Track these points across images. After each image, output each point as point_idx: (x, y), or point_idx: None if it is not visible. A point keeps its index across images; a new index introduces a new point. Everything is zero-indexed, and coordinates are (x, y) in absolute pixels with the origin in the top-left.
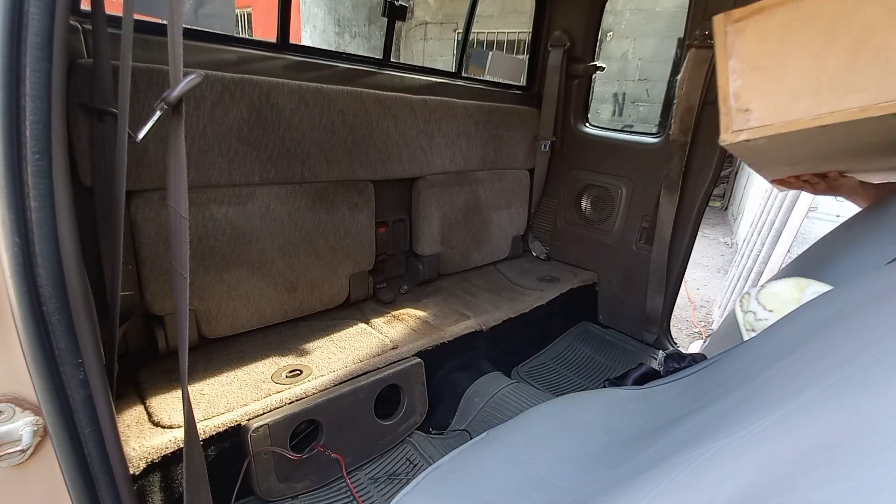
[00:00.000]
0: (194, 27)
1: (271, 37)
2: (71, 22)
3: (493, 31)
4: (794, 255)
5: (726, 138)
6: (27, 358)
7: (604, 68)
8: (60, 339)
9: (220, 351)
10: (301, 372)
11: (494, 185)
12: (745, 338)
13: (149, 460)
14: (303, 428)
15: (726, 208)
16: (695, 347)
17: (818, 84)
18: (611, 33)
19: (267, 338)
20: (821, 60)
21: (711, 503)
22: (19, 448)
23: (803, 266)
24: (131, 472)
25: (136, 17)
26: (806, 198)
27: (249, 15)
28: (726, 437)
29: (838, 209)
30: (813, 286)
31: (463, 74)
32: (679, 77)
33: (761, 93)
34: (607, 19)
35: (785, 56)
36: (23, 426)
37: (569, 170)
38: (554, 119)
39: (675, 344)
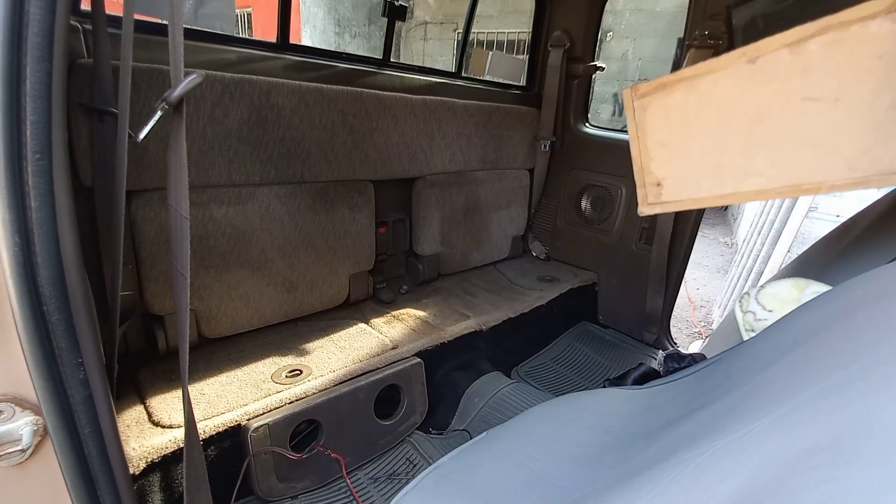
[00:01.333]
0: (194, 27)
1: (271, 37)
2: (71, 22)
3: (493, 31)
4: (794, 255)
5: (643, 210)
6: (27, 358)
7: (604, 68)
8: (60, 338)
9: (220, 351)
10: (301, 372)
11: (494, 185)
12: (745, 338)
13: (149, 460)
14: (303, 428)
15: (726, 208)
16: (695, 347)
17: (718, 165)
18: (611, 33)
19: (267, 338)
20: (718, 142)
21: (711, 502)
22: (19, 448)
23: (803, 266)
24: (131, 471)
25: (137, 17)
26: (806, 198)
27: (249, 15)
28: (726, 437)
29: (838, 209)
30: (812, 286)
31: (463, 74)
32: None
33: (670, 168)
34: (607, 19)
35: (687, 135)
36: (23, 426)
37: (569, 170)
38: (554, 119)
39: (675, 344)
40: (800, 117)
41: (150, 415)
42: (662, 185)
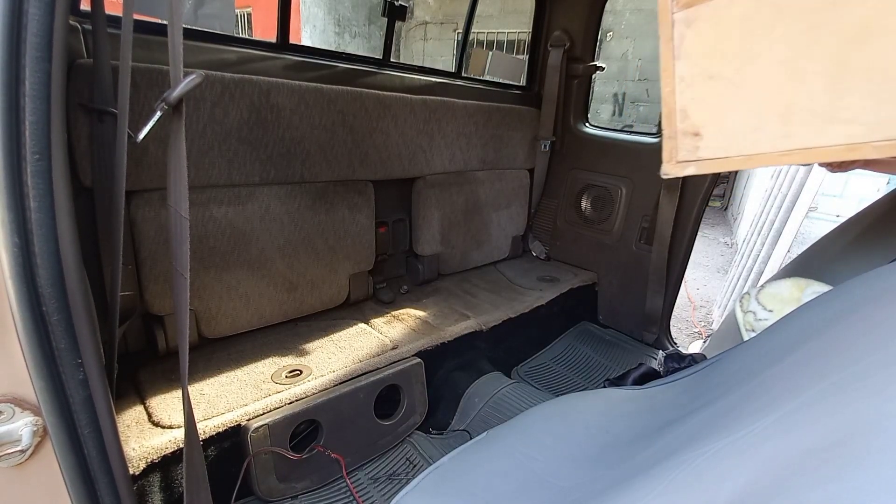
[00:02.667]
0: (194, 27)
1: (271, 37)
2: (71, 22)
3: (493, 31)
4: (794, 255)
5: (669, 170)
6: (27, 358)
7: (604, 68)
8: (60, 339)
9: (220, 351)
10: (301, 372)
11: (494, 185)
12: (745, 338)
13: (149, 460)
14: (303, 428)
15: (726, 208)
16: (695, 347)
17: (790, 106)
18: (611, 33)
19: (267, 338)
20: (796, 72)
21: (712, 503)
22: (19, 448)
23: (803, 266)
24: (131, 472)
25: (136, 17)
26: (806, 198)
27: (249, 15)
28: (726, 438)
29: (838, 209)
30: (813, 286)
31: (463, 74)
32: None
33: (716, 112)
34: (607, 19)
35: (749, 62)
36: (22, 426)
37: (569, 170)
38: (554, 119)
39: (675, 344)
40: None
41: (149, 415)
42: (702, 136)
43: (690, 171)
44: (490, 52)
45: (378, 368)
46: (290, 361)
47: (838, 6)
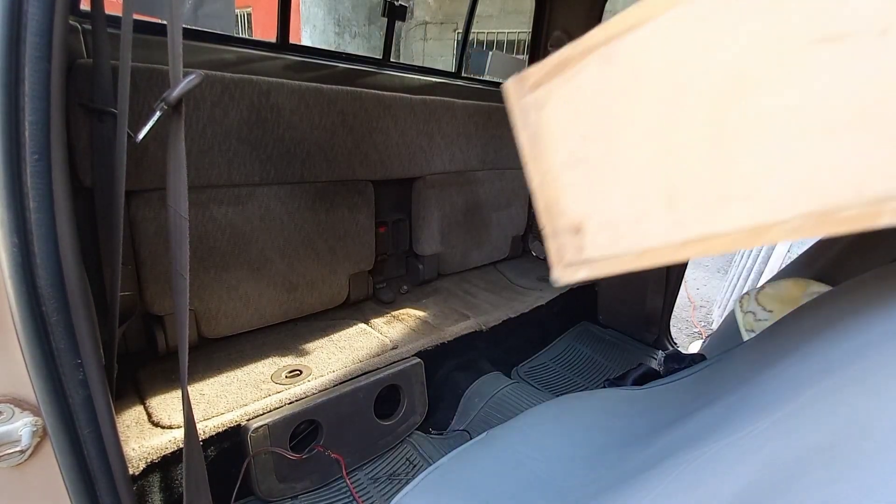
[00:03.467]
0: (194, 27)
1: (271, 37)
2: (71, 22)
3: (493, 31)
4: (794, 255)
5: (560, 275)
6: (26, 358)
7: None
8: (60, 339)
9: (220, 351)
10: (301, 372)
11: (494, 185)
12: (745, 338)
13: (148, 460)
14: (302, 428)
15: None
16: (695, 347)
17: (673, 187)
18: None
19: (267, 338)
20: (669, 145)
21: (712, 503)
22: (18, 448)
23: (803, 266)
24: (131, 472)
25: (136, 17)
26: None
27: (249, 15)
28: (726, 438)
29: None
30: (812, 286)
31: (463, 74)
32: None
33: (594, 203)
34: (607, 19)
35: (615, 140)
36: (22, 427)
37: None
38: None
39: (675, 344)
40: (814, 78)
41: (149, 415)
42: (585, 232)
43: (583, 274)
44: (490, 52)
45: (378, 368)
46: (290, 361)
47: (706, 54)
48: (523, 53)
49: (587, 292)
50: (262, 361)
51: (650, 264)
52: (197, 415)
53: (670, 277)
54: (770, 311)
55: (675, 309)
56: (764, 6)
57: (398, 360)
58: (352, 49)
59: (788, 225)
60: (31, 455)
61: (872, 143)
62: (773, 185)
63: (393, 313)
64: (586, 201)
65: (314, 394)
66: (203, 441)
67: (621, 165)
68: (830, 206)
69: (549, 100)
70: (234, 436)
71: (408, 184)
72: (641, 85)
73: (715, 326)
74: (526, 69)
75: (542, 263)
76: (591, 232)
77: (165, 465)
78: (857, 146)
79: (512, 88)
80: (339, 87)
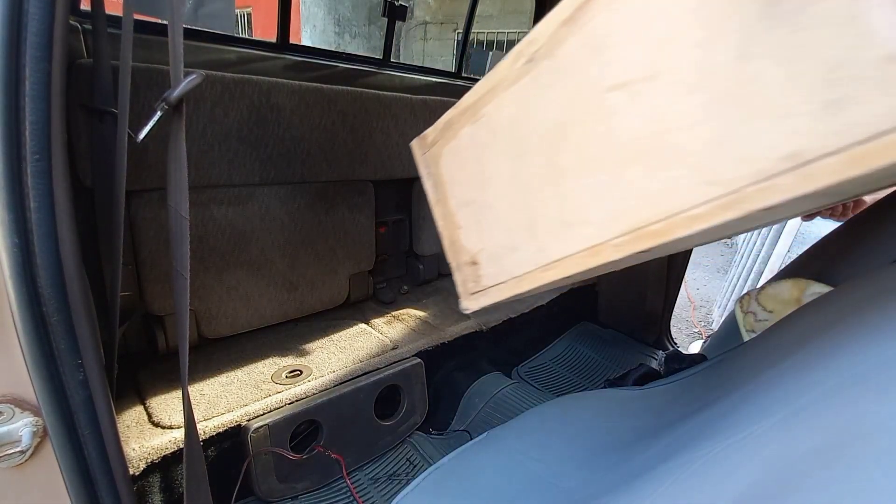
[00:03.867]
0: (194, 27)
1: (271, 37)
2: (71, 22)
3: (493, 31)
4: (794, 255)
5: (466, 304)
6: (27, 359)
7: None
8: (60, 339)
9: (220, 351)
10: (301, 372)
11: None
12: (746, 338)
13: (149, 461)
14: (303, 428)
15: None
16: (695, 347)
17: (533, 219)
18: None
19: (267, 338)
20: (523, 184)
21: None
22: (19, 449)
23: (803, 266)
24: (131, 472)
25: (136, 17)
26: None
27: (249, 15)
28: (728, 439)
29: None
30: (813, 287)
31: (463, 75)
32: None
33: (482, 238)
34: None
35: (489, 183)
36: (22, 427)
37: None
38: None
39: (675, 344)
40: (609, 119)
41: (150, 415)
42: (479, 264)
43: (484, 301)
44: (490, 53)
45: (378, 368)
46: (290, 361)
47: (537, 111)
48: None
49: (587, 292)
50: (263, 361)
51: (529, 287)
52: (197, 415)
53: (670, 277)
54: (771, 312)
55: (675, 309)
56: (572, 67)
57: (398, 361)
58: (352, 49)
59: (614, 243)
60: (31, 455)
61: (657, 168)
62: (598, 211)
63: (393, 313)
64: (476, 238)
65: (314, 394)
66: (203, 441)
67: (495, 205)
68: (640, 223)
69: (441, 154)
70: (234, 436)
71: (408, 184)
72: (498, 139)
73: (715, 326)
74: (426, 132)
75: None
76: (483, 264)
77: (166, 465)
78: (647, 172)
79: (416, 146)
80: (339, 87)
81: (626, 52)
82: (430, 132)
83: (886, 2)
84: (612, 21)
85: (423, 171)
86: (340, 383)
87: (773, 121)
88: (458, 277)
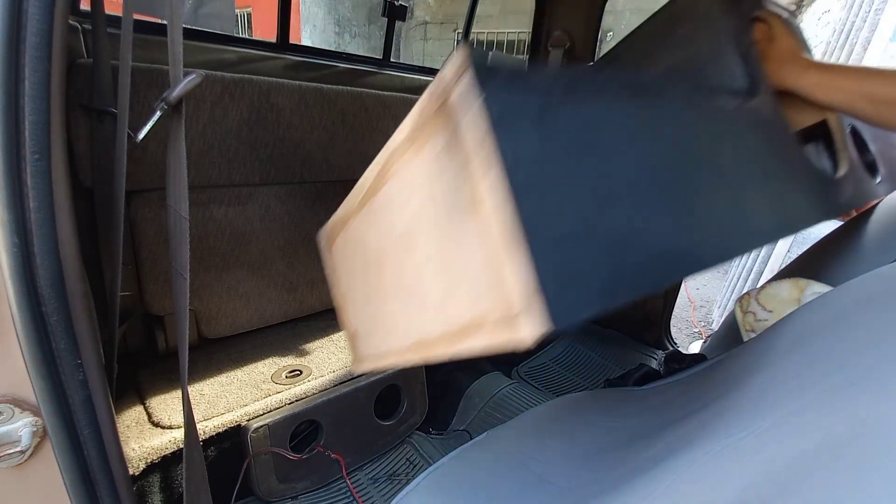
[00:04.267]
0: (194, 27)
1: (271, 37)
2: (70, 22)
3: (493, 31)
4: (793, 256)
5: (354, 368)
6: (26, 359)
7: None
8: (60, 339)
9: (220, 351)
10: (301, 372)
11: None
12: (745, 338)
13: (148, 461)
14: (303, 428)
15: None
16: (695, 347)
17: (383, 312)
18: (611, 33)
19: (267, 338)
20: (370, 288)
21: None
22: (19, 449)
23: (803, 266)
24: (131, 472)
25: (136, 17)
26: None
27: (249, 15)
28: (727, 439)
29: None
30: (813, 287)
31: None
32: None
33: (356, 318)
34: (607, 19)
35: (354, 280)
36: (22, 427)
37: None
38: None
39: (676, 344)
40: (399, 257)
41: (149, 415)
42: (358, 338)
43: (367, 367)
44: (490, 53)
45: None
46: (290, 361)
47: (367, 238)
48: (523, 53)
49: None
50: (262, 361)
51: (390, 364)
52: (197, 415)
53: None
54: (770, 312)
55: (675, 309)
56: (383, 211)
57: None
58: (352, 49)
59: (433, 340)
60: (31, 455)
61: (420, 304)
62: (422, 313)
63: None
64: (354, 318)
65: (314, 394)
66: (203, 441)
67: (359, 298)
68: (420, 338)
69: (332, 247)
70: (234, 436)
71: None
72: (356, 251)
73: (715, 326)
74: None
75: None
76: (360, 339)
77: (165, 465)
78: (418, 303)
79: (322, 235)
80: (339, 87)
81: (402, 213)
82: (329, 225)
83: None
84: (395, 187)
85: (324, 258)
86: (340, 383)
87: (450, 294)
88: (349, 344)
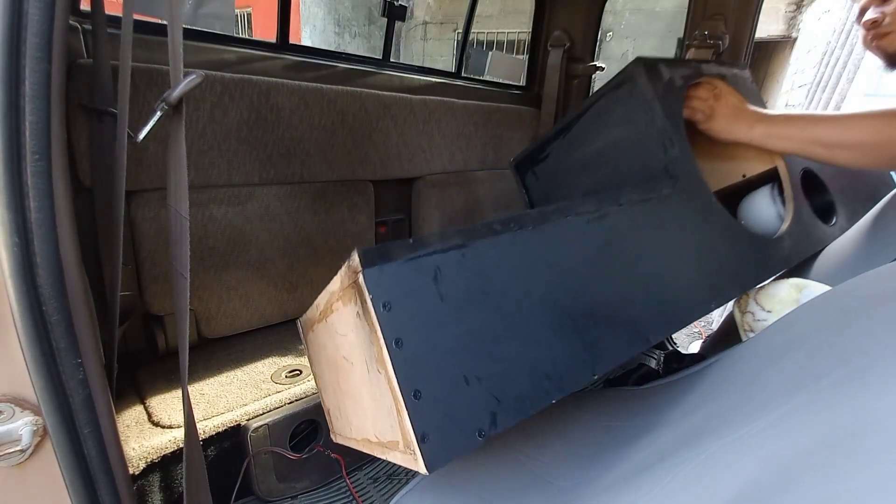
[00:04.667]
0: (194, 27)
1: (271, 37)
2: (71, 22)
3: (493, 31)
4: None
5: (333, 438)
6: (27, 358)
7: (604, 68)
8: (60, 339)
9: (220, 351)
10: (301, 372)
11: (494, 185)
12: (744, 338)
13: (148, 460)
14: (302, 428)
15: None
16: (695, 348)
17: (344, 408)
18: (611, 33)
19: (267, 338)
20: (335, 383)
21: (711, 503)
22: (19, 448)
23: (802, 266)
24: (131, 471)
25: (136, 17)
26: None
27: (249, 15)
28: (725, 437)
29: None
30: (811, 287)
31: (463, 74)
32: None
33: (329, 400)
34: (607, 19)
35: (323, 370)
36: (22, 426)
37: None
38: (554, 119)
39: (675, 344)
40: (346, 371)
41: (149, 415)
42: (332, 416)
43: (340, 440)
44: (490, 52)
45: None
46: (290, 361)
47: (328, 345)
48: (523, 53)
49: None
50: (262, 361)
51: (357, 447)
52: (197, 414)
53: None
54: (769, 312)
55: None
56: (335, 332)
57: None
58: (352, 49)
59: (373, 444)
60: (31, 454)
61: (363, 410)
62: (363, 419)
63: None
64: (328, 399)
65: (314, 393)
66: (203, 441)
67: (329, 384)
68: (382, 440)
69: (307, 337)
70: (234, 436)
71: (407, 184)
72: (322, 351)
73: (715, 326)
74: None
75: None
76: (334, 418)
77: (165, 464)
78: (363, 408)
79: (301, 323)
80: (339, 87)
81: (344, 340)
82: (304, 318)
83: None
84: (337, 319)
85: (304, 343)
86: None
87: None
88: (328, 419)
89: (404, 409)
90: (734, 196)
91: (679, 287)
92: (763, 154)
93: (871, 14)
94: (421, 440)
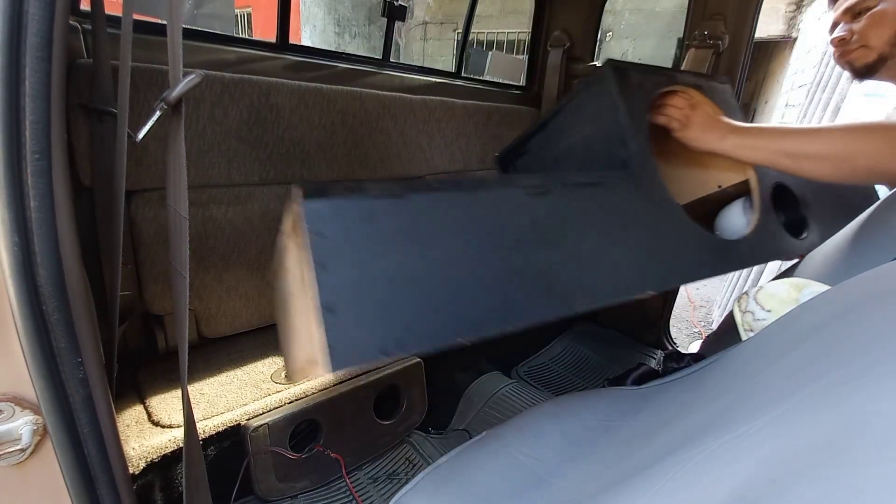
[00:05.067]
0: (194, 27)
1: (271, 37)
2: (71, 22)
3: (493, 31)
4: None
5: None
6: (27, 357)
7: None
8: (60, 338)
9: (220, 351)
10: None
11: None
12: (744, 338)
13: (148, 460)
14: (302, 428)
15: None
16: (695, 348)
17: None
18: (611, 33)
19: (267, 337)
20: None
21: (710, 502)
22: (19, 447)
23: (802, 266)
24: (131, 471)
25: (136, 17)
26: None
27: (249, 15)
28: (724, 437)
29: None
30: (811, 286)
31: (463, 74)
32: None
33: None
34: (607, 19)
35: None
36: (22, 425)
37: None
38: None
39: (675, 344)
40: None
41: (149, 414)
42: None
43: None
44: (490, 52)
45: (377, 368)
46: None
47: None
48: (523, 53)
49: None
50: (262, 361)
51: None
52: (197, 414)
53: None
54: (769, 311)
55: (675, 309)
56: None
57: (398, 360)
58: (352, 49)
59: (299, 368)
60: (31, 454)
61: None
62: (289, 332)
63: None
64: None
65: (314, 393)
66: (203, 440)
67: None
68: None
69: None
70: (233, 435)
71: None
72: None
73: (715, 326)
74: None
75: None
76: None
77: (165, 464)
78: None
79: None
80: (339, 87)
81: (292, 270)
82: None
83: None
84: (288, 247)
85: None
86: (340, 383)
87: None
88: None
89: (321, 321)
90: (718, 208)
91: (613, 267)
92: (736, 165)
93: (839, 32)
94: (330, 347)
